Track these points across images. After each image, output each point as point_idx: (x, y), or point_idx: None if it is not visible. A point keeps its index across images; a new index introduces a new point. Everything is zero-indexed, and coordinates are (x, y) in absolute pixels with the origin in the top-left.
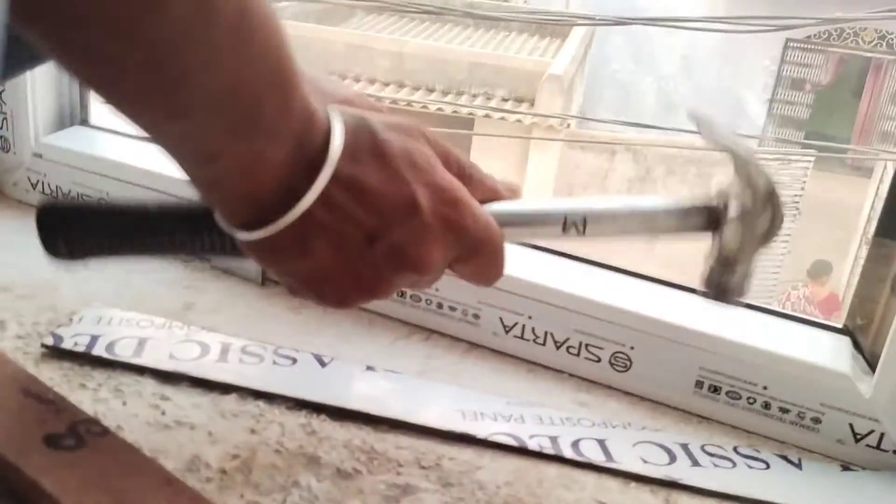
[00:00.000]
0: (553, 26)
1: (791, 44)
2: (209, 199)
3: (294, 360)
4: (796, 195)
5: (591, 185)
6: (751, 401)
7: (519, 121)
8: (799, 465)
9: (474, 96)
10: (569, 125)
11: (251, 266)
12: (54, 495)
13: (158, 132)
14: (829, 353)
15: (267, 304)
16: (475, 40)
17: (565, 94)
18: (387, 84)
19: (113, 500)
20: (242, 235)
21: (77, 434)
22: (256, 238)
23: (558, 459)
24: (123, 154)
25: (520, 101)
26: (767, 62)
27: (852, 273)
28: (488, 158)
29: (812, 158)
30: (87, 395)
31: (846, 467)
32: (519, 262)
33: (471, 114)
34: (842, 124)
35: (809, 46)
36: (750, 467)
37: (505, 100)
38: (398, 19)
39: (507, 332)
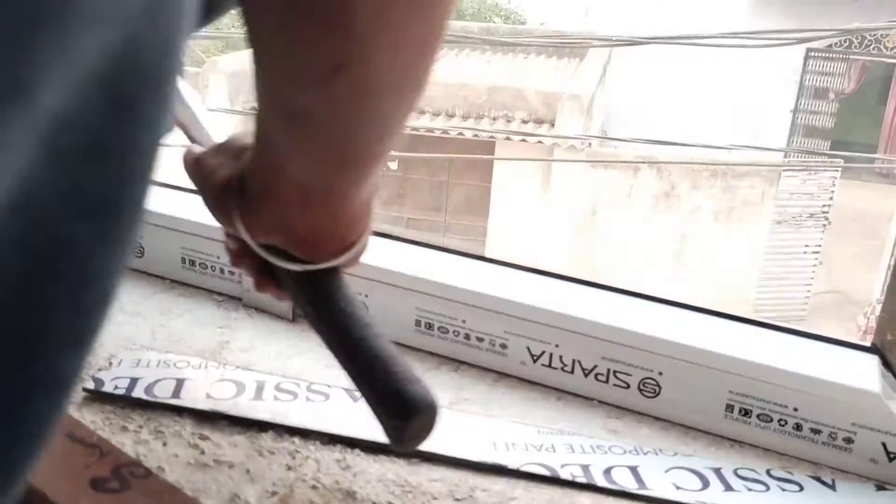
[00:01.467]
0: (571, 47)
1: (812, 53)
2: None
3: (327, 396)
4: (825, 205)
5: (615, 202)
6: (782, 423)
7: (540, 142)
8: (833, 487)
9: (494, 119)
10: (590, 144)
11: (282, 304)
12: None
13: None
14: (859, 372)
15: (298, 339)
16: (493, 63)
17: (585, 114)
18: None
19: None
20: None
21: (121, 477)
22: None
23: (591, 488)
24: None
25: (540, 122)
26: (789, 73)
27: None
28: (512, 178)
29: (839, 168)
30: (129, 437)
31: (881, 487)
32: (544, 290)
33: (492, 137)
34: (868, 131)
35: (831, 55)
36: (783, 490)
37: (525, 122)
38: None
39: (534, 360)
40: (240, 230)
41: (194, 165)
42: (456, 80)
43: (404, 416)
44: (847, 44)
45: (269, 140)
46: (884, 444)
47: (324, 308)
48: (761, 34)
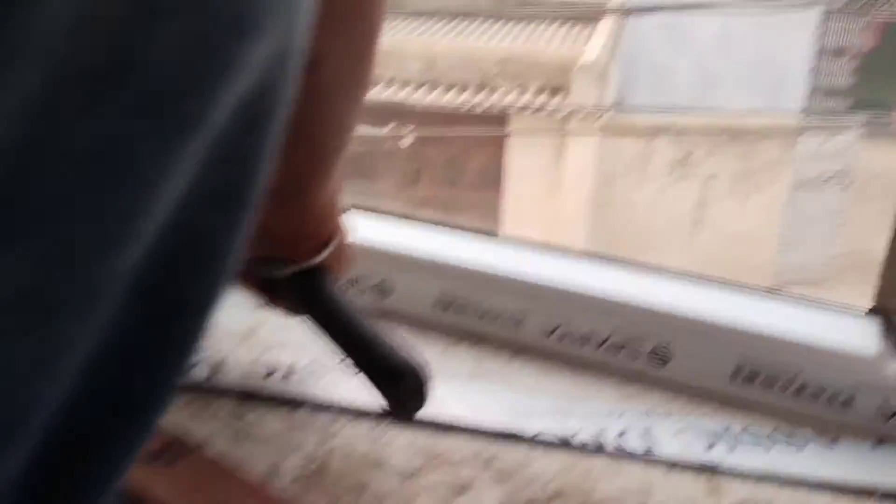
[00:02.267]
0: (583, 13)
1: (830, 12)
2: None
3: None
4: (844, 166)
5: (631, 170)
6: (786, 386)
7: (555, 111)
8: (833, 444)
9: (507, 91)
10: (601, 115)
11: None
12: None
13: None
14: (859, 335)
15: None
16: (505, 34)
17: (599, 82)
18: (421, 85)
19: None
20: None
21: (171, 451)
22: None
23: (604, 452)
24: None
25: (554, 91)
26: (806, 33)
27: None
28: (526, 149)
29: (859, 127)
30: (174, 415)
31: (878, 443)
32: (557, 267)
33: (505, 109)
34: (889, 89)
35: (848, 13)
36: (787, 447)
37: (539, 92)
38: (426, 21)
39: (550, 335)
40: None
41: None
42: (467, 53)
43: (394, 380)
44: (864, 1)
45: None
46: (881, 405)
47: (316, 303)
48: None
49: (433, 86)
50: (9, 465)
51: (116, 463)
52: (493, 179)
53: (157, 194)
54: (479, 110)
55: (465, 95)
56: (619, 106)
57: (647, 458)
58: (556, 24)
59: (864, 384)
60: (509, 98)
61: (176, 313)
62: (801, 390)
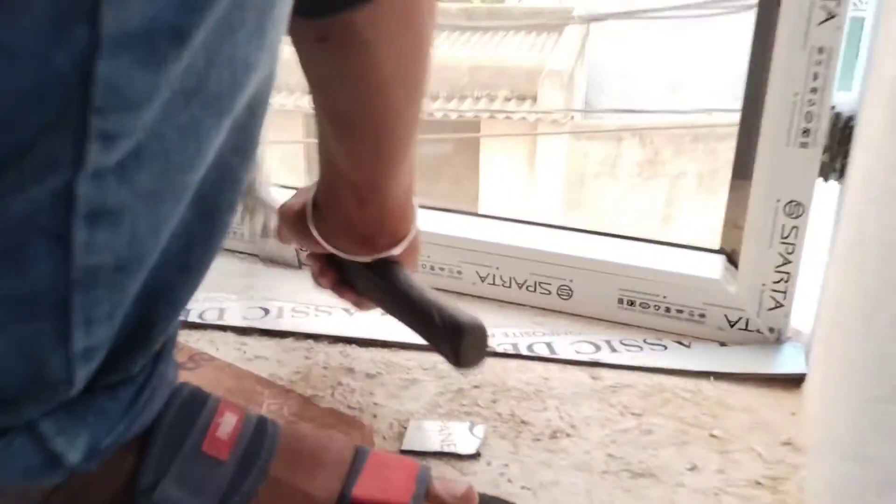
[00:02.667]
0: (548, 22)
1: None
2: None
3: (329, 313)
4: None
5: (601, 173)
6: (656, 308)
7: (524, 118)
8: (689, 346)
9: (478, 98)
10: (572, 117)
11: (290, 255)
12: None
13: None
14: (709, 268)
15: (304, 280)
16: (473, 43)
17: (566, 88)
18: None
19: (236, 387)
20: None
21: (195, 360)
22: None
23: (517, 356)
24: None
25: (522, 98)
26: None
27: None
28: (498, 156)
29: None
30: (194, 344)
31: (723, 344)
32: (488, 230)
33: (476, 116)
34: (847, 83)
35: None
36: (653, 350)
37: (508, 99)
38: None
39: (482, 281)
40: (316, 237)
41: (279, 209)
42: (438, 63)
43: (459, 336)
44: None
45: (327, 150)
46: (726, 316)
47: (389, 287)
48: (713, 3)
49: None
50: (128, 291)
51: (178, 308)
52: (467, 188)
53: (213, 145)
54: (452, 117)
55: (436, 104)
56: (586, 110)
57: (549, 359)
58: (522, 34)
59: (712, 303)
60: (480, 105)
61: (216, 212)
62: (667, 310)
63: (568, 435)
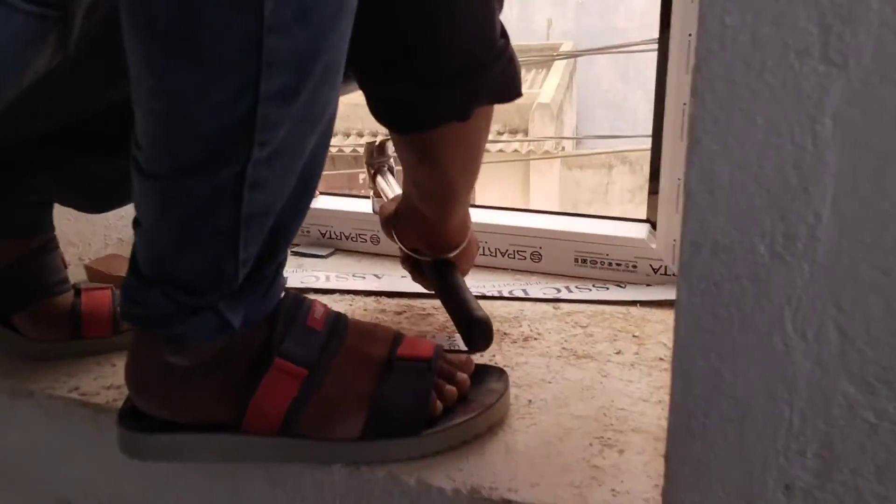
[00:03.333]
0: (537, 58)
1: None
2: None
3: (364, 278)
4: None
5: (593, 200)
6: (602, 263)
7: (516, 150)
8: (624, 287)
9: None
10: (563, 147)
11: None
12: None
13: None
14: (638, 231)
15: (335, 262)
16: None
17: (556, 120)
18: (386, 135)
19: None
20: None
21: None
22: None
23: (502, 298)
24: None
25: (514, 132)
26: None
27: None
28: (493, 186)
29: None
30: None
31: (649, 285)
32: (480, 215)
33: None
34: None
35: None
36: (598, 290)
37: (500, 133)
38: None
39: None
40: (395, 240)
41: (379, 210)
42: None
43: (469, 327)
44: None
45: (407, 186)
46: (650, 265)
47: (443, 281)
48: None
49: None
50: (266, 226)
51: (290, 238)
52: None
53: (313, 143)
54: None
55: None
56: (576, 140)
57: (524, 298)
58: None
59: (641, 257)
60: None
61: (310, 182)
62: (610, 264)
63: (535, 339)
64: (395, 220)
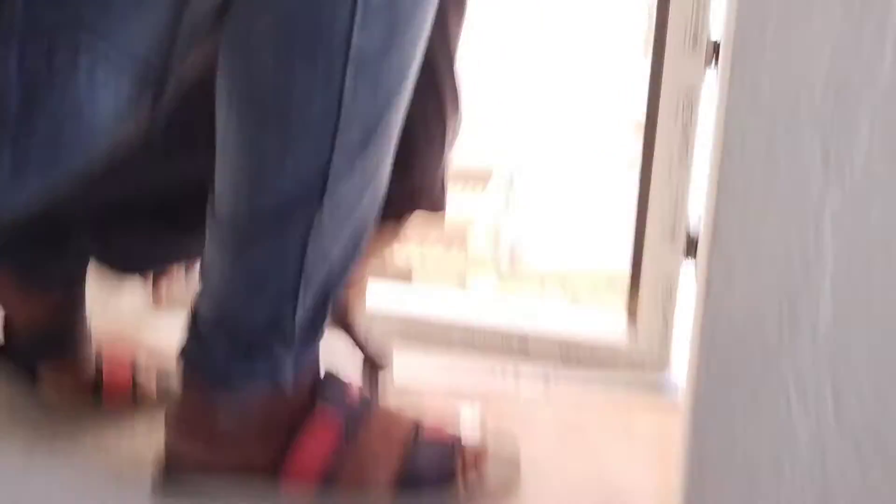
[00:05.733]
0: (474, 177)
1: None
2: None
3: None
4: None
5: None
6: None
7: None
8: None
9: (408, 245)
10: (499, 266)
11: None
12: None
13: None
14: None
15: None
16: None
17: (493, 236)
18: None
19: None
20: None
21: None
22: None
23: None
24: None
25: (450, 247)
26: None
27: None
28: None
29: None
30: None
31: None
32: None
33: (408, 261)
34: None
35: None
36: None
37: (437, 247)
38: None
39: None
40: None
41: None
42: None
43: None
44: None
45: None
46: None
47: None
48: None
49: None
50: (318, 293)
51: (336, 299)
52: None
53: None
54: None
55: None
56: (512, 257)
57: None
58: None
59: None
60: (411, 250)
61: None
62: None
63: None
64: None
